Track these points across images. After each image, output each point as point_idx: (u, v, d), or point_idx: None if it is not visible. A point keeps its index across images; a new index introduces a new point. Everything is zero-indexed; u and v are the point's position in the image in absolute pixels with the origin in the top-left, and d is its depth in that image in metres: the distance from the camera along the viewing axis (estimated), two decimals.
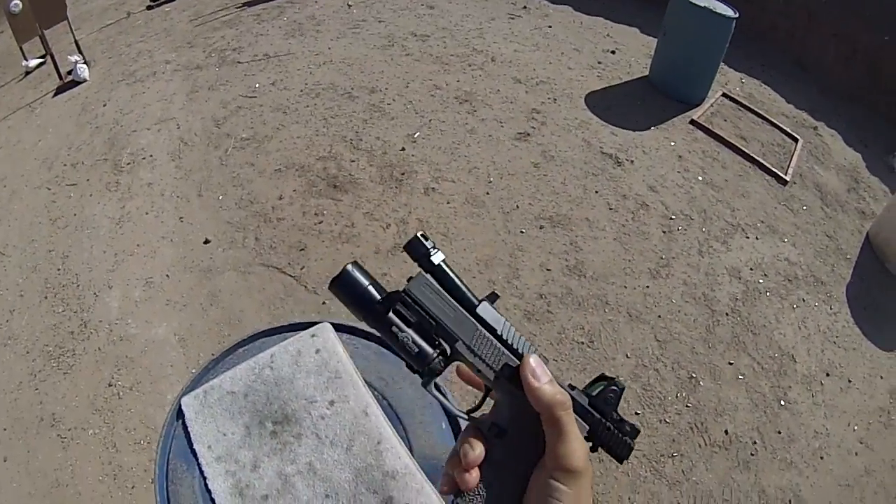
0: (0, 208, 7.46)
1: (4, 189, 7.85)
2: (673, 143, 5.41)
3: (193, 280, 4.76)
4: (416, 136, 5.21)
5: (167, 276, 4.93)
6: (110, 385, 4.33)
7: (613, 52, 6.59)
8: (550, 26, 7.17)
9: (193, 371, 3.84)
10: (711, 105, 6.05)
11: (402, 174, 4.82)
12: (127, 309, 4.77)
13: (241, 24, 9.51)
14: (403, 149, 5.08)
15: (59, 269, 5.62)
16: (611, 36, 6.98)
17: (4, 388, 4.88)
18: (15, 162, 8.50)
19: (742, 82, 6.52)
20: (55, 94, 10.21)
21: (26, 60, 13.02)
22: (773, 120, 6.07)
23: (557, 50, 6.60)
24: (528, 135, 5.05)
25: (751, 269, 4.52)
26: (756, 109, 6.15)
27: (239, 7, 10.39)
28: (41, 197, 7.07)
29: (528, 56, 6.41)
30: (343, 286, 0.80)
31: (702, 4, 5.66)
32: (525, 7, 7.68)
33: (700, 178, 5.09)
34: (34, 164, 7.97)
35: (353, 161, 5.10)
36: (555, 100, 5.59)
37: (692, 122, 5.73)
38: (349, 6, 8.66)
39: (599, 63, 6.37)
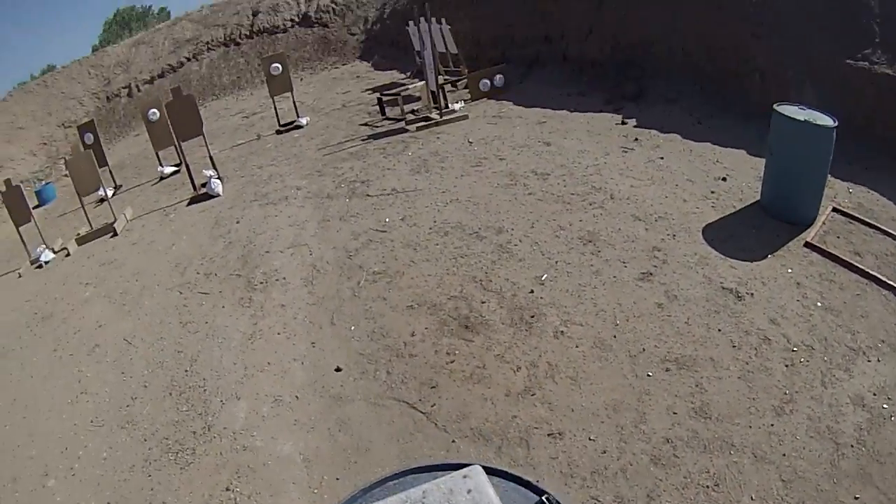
0: (130, 301, 8.07)
1: (136, 283, 8.43)
2: (790, 270, 5.39)
3: (323, 405, 4.94)
4: (543, 278, 5.38)
5: (297, 396, 5.15)
6: (228, 489, 4.53)
7: (724, 179, 6.66)
8: (662, 157, 7.30)
9: (315, 491, 4.20)
10: (823, 223, 5.96)
11: (532, 317, 4.95)
12: (253, 422, 5.01)
13: (367, 157, 9.93)
14: (532, 291, 5.24)
15: (186, 371, 5.98)
16: (720, 161, 7.05)
17: (116, 466, 5.24)
18: (149, 260, 9.10)
19: (850, 192, 6.43)
20: (189, 204, 10.98)
21: (162, 166, 14.00)
22: (885, 228, 5.90)
23: (672, 182, 6.70)
24: (651, 274, 5.15)
25: (874, 395, 4.40)
26: (867, 220, 6.00)
27: (364, 140, 11.00)
28: (172, 299, 7.54)
29: (644, 191, 6.53)
30: None
31: (801, 118, 5.64)
32: (636, 139, 7.84)
33: (819, 304, 5.03)
34: (167, 266, 8.55)
35: (483, 302, 5.27)
36: (674, 235, 5.68)
37: (806, 244, 5.68)
38: (470, 142, 9.04)
39: (713, 192, 6.44)
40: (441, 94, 10.96)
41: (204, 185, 11.08)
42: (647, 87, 9.45)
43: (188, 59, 24.63)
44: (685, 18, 9.26)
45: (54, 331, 8.31)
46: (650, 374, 4.12)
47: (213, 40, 24.80)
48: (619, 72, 10.07)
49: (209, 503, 4.46)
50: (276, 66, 13.96)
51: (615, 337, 4.50)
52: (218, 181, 10.96)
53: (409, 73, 16.19)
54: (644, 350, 4.31)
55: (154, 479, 4.92)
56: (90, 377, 6.73)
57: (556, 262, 5.56)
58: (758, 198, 6.32)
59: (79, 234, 11.90)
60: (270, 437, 4.75)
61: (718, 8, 8.65)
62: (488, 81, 11.62)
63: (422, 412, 4.46)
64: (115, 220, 11.47)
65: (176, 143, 12.80)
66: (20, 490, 5.61)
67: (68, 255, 11.25)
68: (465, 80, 12.46)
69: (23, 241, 11.93)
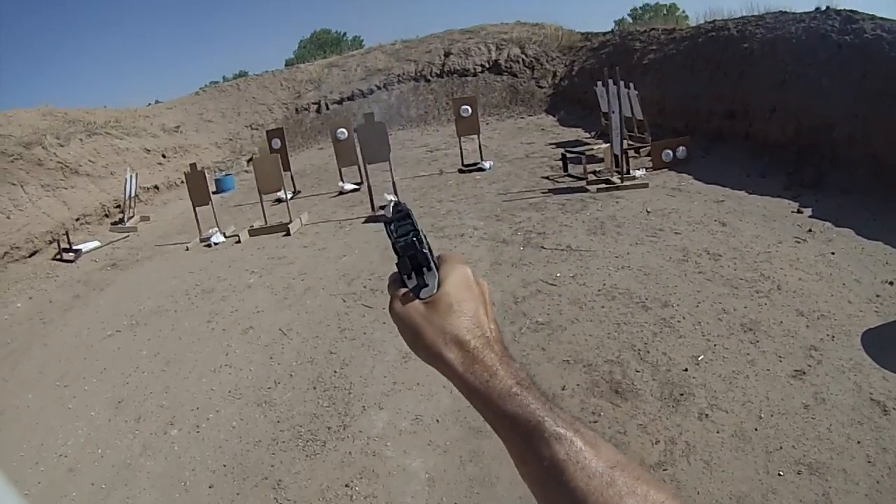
0: (293, 297, 8.49)
1: (301, 282, 8.86)
2: None
3: (461, 433, 5.02)
4: (700, 358, 5.35)
5: (437, 420, 5.25)
6: (347, 486, 4.67)
7: (892, 283, 6.41)
8: (833, 253, 7.15)
9: None
10: None
11: (681, 394, 4.94)
12: (389, 433, 5.15)
13: (546, 210, 10.09)
14: (686, 369, 5.22)
15: (335, 372, 6.22)
16: (889, 264, 6.84)
17: (243, 437, 5.53)
18: (317, 264, 9.56)
19: None
20: (365, 222, 11.50)
21: (342, 182, 14.64)
22: None
23: (839, 280, 6.55)
24: (804, 373, 5.01)
25: None
26: None
27: (544, 192, 11.20)
28: (335, 304, 7.86)
29: (811, 286, 6.41)
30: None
31: None
32: (810, 230, 7.72)
33: None
34: (335, 274, 8.94)
35: (637, 371, 5.30)
36: (833, 337, 5.50)
37: None
38: (648, 212, 9.08)
39: (878, 296, 6.21)
40: (624, 159, 11.04)
41: (382, 208, 11.50)
42: (825, 174, 9.30)
43: (378, 88, 25.54)
44: (867, 104, 9.11)
45: (212, 304, 8.91)
46: (781, 473, 4.05)
47: (403, 73, 25.63)
48: (799, 156, 9.96)
49: (325, 493, 4.66)
50: (466, 108, 14.40)
51: (756, 430, 4.45)
52: None
53: (593, 133, 16.36)
54: (781, 448, 4.24)
55: (277, 458, 5.19)
56: (238, 354, 7.19)
57: (715, 345, 5.52)
58: None
59: (252, 226, 12.70)
60: (402, 451, 4.90)
61: None
62: (671, 152, 11.66)
63: None
64: (291, 221, 12.17)
65: (360, 164, 13.44)
66: (141, 430, 6.03)
67: (238, 242, 12.04)
68: (649, 148, 12.49)
69: (197, 220, 12.92)
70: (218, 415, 6.05)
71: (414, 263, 0.92)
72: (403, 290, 0.93)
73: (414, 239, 0.92)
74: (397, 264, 0.93)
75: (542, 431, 0.76)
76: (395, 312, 0.92)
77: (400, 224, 0.95)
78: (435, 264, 0.94)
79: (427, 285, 0.91)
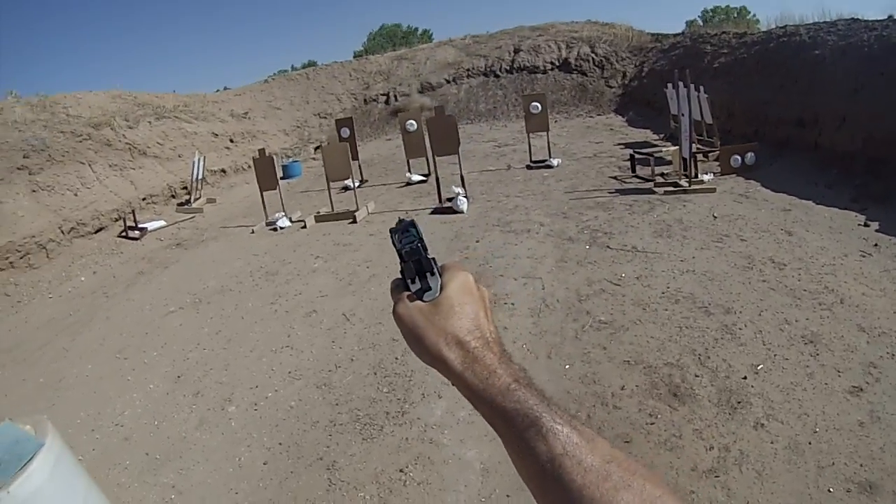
0: (357, 283, 8.66)
1: (366, 269, 9.04)
2: None
3: None
4: (759, 367, 5.30)
5: None
6: (401, 471, 4.72)
7: None
8: None
9: (483, 500, 4.31)
10: None
11: (739, 402, 4.90)
12: (447, 421, 5.19)
13: (613, 210, 10.10)
14: (745, 377, 5.18)
15: (396, 359, 6.27)
16: None
17: (300, 417, 5.63)
18: (382, 252, 9.71)
19: None
20: (432, 213, 11.63)
21: (410, 173, 14.80)
22: None
23: None
24: (861, 390, 4.89)
25: None
26: None
27: (611, 192, 11.22)
28: None
29: (874, 302, 6.28)
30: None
31: None
32: (876, 245, 7.58)
33: None
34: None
35: (696, 376, 5.28)
36: (893, 355, 5.36)
37: None
38: (714, 217, 9.04)
39: None
40: (692, 162, 10.99)
41: (450, 200, 11.74)
42: (894, 188, 9.10)
43: (448, 82, 25.63)
44: None
45: (276, 287, 9.10)
46: (831, 489, 3.98)
47: (473, 68, 25.70)
48: (867, 167, 9.78)
49: (379, 477, 4.72)
50: (536, 105, 14.43)
51: (810, 444, 4.38)
52: (465, 199, 11.59)
53: (662, 136, 16.29)
54: (833, 464, 4.17)
55: (333, 439, 5.27)
56: (300, 336, 7.34)
57: (775, 356, 5.47)
58: None
59: (319, 212, 12.93)
60: (459, 440, 4.94)
61: None
62: (739, 158, 11.55)
63: None
64: (358, 209, 12.37)
65: (429, 156, 13.60)
66: (199, 406, 6.20)
67: (304, 227, 12.28)
68: (717, 153, 12.41)
69: (263, 204, 13.19)
70: (277, 394, 6.20)
71: (418, 268, 0.97)
72: (407, 293, 0.97)
73: (419, 245, 0.97)
74: (401, 269, 0.99)
75: (539, 427, 0.79)
76: (398, 314, 0.96)
77: (404, 234, 0.99)
78: (438, 270, 0.98)
79: (430, 289, 0.96)
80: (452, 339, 0.90)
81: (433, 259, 0.98)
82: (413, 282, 0.97)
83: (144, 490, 5.09)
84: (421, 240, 0.98)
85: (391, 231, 1.01)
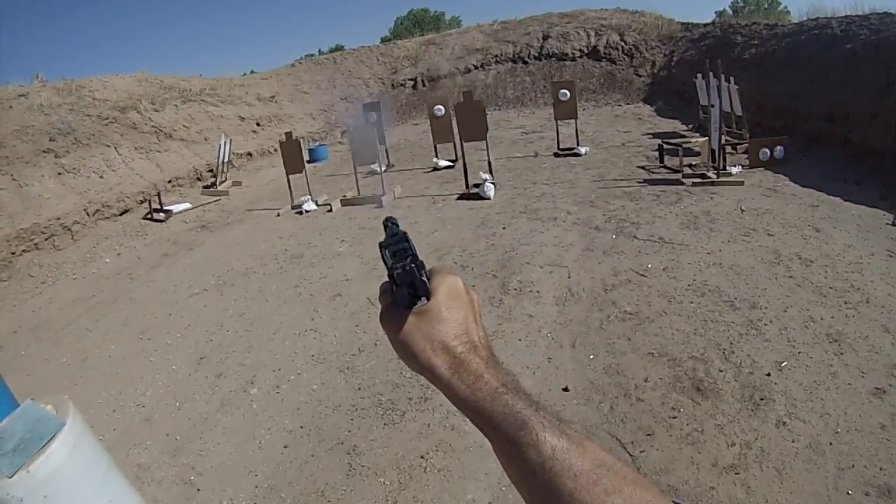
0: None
1: None
2: None
3: None
4: (783, 364, 5.27)
5: None
6: (422, 457, 4.75)
7: None
8: None
9: (502, 489, 4.30)
10: None
11: (762, 399, 4.88)
12: None
13: (641, 200, 10.10)
14: (769, 374, 5.16)
15: None
16: None
17: (322, 401, 5.68)
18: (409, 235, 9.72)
19: None
20: (458, 199, 11.65)
21: (437, 158, 14.83)
22: None
23: None
24: (884, 392, 4.84)
25: None
26: None
27: (640, 182, 11.21)
28: None
29: None
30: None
31: None
32: None
33: None
34: (426, 248, 9.00)
35: (720, 371, 5.27)
36: None
37: None
38: (742, 210, 9.00)
39: None
40: (721, 154, 10.95)
41: (477, 186, 11.78)
42: None
43: (475, 67, 25.59)
44: None
45: (301, 270, 9.18)
46: (850, 492, 3.95)
47: (501, 54, 25.64)
48: None
49: (399, 462, 4.75)
50: (565, 93, 14.42)
51: (831, 445, 4.36)
52: (492, 186, 11.62)
53: (691, 126, 16.21)
54: (853, 466, 4.14)
55: (355, 424, 5.32)
56: (324, 319, 7.40)
57: (799, 353, 5.44)
58: None
59: (345, 196, 13.02)
60: None
61: None
62: (768, 151, 11.46)
63: (630, 454, 4.50)
64: (384, 193, 12.41)
65: (456, 142, 13.62)
66: (221, 388, 6.26)
67: (330, 210, 12.35)
68: (746, 145, 12.30)
69: (290, 187, 13.28)
70: (299, 377, 6.26)
71: (412, 291, 0.93)
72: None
73: (412, 265, 0.93)
74: (392, 289, 0.94)
75: (528, 431, 0.79)
76: (386, 323, 0.95)
77: (397, 247, 0.96)
78: (427, 278, 0.95)
79: (419, 297, 0.93)
80: (439, 344, 0.89)
81: (424, 272, 0.95)
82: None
83: (164, 470, 5.17)
84: (415, 256, 0.95)
85: (380, 245, 0.98)
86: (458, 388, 0.86)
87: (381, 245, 0.97)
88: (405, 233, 0.98)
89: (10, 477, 2.31)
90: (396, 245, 0.96)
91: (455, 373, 0.87)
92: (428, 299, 0.94)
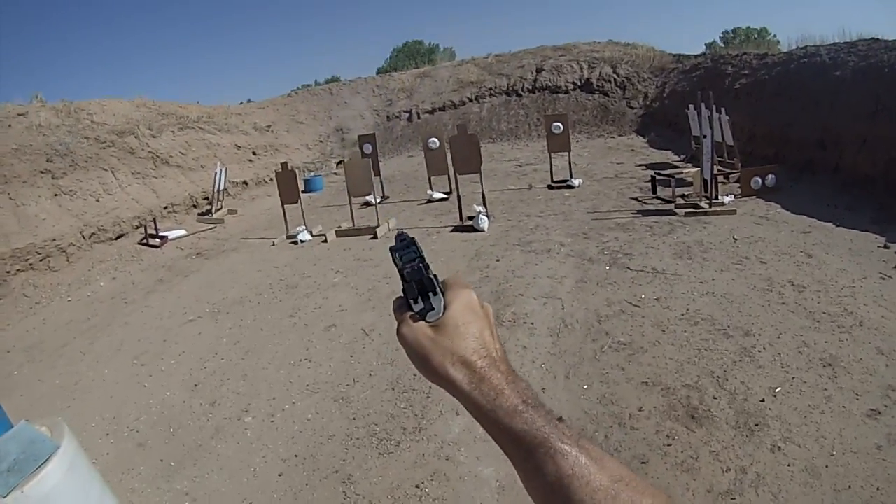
0: (377, 299, 8.70)
1: (387, 286, 9.06)
2: None
3: None
4: (777, 390, 5.29)
5: None
6: (417, 487, 4.75)
7: None
8: None
9: None
10: None
11: (756, 425, 4.88)
12: (465, 439, 5.21)
13: (634, 231, 10.11)
14: (763, 400, 5.17)
15: (414, 375, 6.19)
16: None
17: (317, 430, 5.67)
18: None
19: None
20: (453, 230, 11.67)
21: (431, 190, 14.90)
22: None
23: None
24: (879, 413, 4.85)
25: None
26: None
27: (633, 213, 11.24)
28: None
29: (893, 325, 6.23)
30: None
31: None
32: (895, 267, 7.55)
33: None
34: None
35: (714, 398, 5.28)
36: None
37: None
38: (734, 239, 9.04)
39: None
40: (713, 184, 10.99)
41: (471, 218, 11.78)
42: None
43: (470, 100, 25.76)
44: None
45: (295, 300, 9.16)
46: None
47: (495, 87, 25.81)
48: (888, 189, 9.79)
49: (395, 492, 4.75)
50: (558, 126, 14.50)
51: (826, 468, 4.36)
52: (486, 218, 11.62)
53: (683, 157, 16.29)
54: (850, 488, 4.15)
55: (350, 453, 5.31)
56: (319, 349, 7.39)
57: (793, 378, 5.45)
58: None
59: (339, 227, 13.01)
60: (475, 457, 4.96)
61: None
62: (760, 179, 11.53)
63: None
64: (379, 224, 12.44)
65: (450, 174, 13.68)
66: (215, 415, 6.26)
67: (325, 241, 12.36)
68: (738, 175, 12.36)
69: (285, 217, 13.30)
70: (294, 406, 6.26)
71: (420, 288, 0.95)
72: (410, 313, 0.95)
73: (420, 265, 0.95)
74: (404, 289, 0.96)
75: (548, 448, 0.79)
76: (402, 336, 0.94)
77: (405, 252, 0.97)
78: (441, 289, 0.97)
79: (433, 309, 0.94)
80: (458, 359, 0.89)
81: (435, 277, 0.97)
82: (416, 302, 0.96)
83: (158, 496, 5.17)
84: (422, 258, 0.97)
85: (391, 249, 0.99)
86: (479, 402, 0.86)
87: (391, 249, 0.99)
88: (413, 238, 1.00)
89: (5, 496, 2.33)
90: (405, 249, 0.98)
91: (476, 387, 0.87)
92: (443, 295, 0.96)
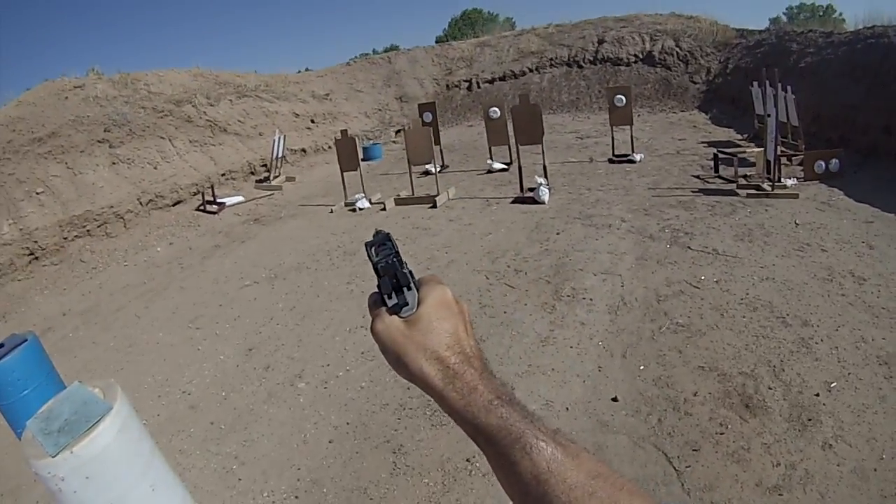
0: (436, 268, 8.70)
1: (444, 255, 9.14)
2: None
3: (587, 424, 5.05)
4: (832, 385, 5.20)
5: (567, 408, 5.29)
6: (468, 461, 4.78)
7: None
8: None
9: None
10: None
11: (809, 420, 4.81)
12: None
13: (695, 210, 10.05)
14: (818, 394, 5.09)
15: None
16: None
17: (370, 398, 5.77)
18: (462, 239, 9.82)
19: None
20: (513, 202, 11.72)
21: (491, 160, 14.92)
22: None
23: None
24: None
25: None
26: None
27: (694, 191, 11.17)
28: (477, 280, 8.00)
29: None
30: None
31: None
32: None
33: None
34: (479, 250, 9.11)
35: (770, 388, 5.23)
36: None
37: None
38: (796, 224, 8.93)
39: None
40: (777, 165, 10.81)
41: (531, 190, 11.81)
42: None
43: (530, 70, 25.56)
44: None
45: (353, 266, 9.32)
46: None
47: (556, 58, 25.55)
48: None
49: (445, 465, 4.80)
50: (620, 98, 14.37)
51: (875, 470, 4.26)
52: (547, 190, 11.66)
53: (746, 136, 15.99)
54: None
55: (402, 423, 5.39)
56: None
57: (849, 374, 5.35)
58: None
59: (399, 195, 13.17)
60: None
61: None
62: (824, 163, 11.31)
63: (675, 468, 4.48)
64: (438, 194, 12.53)
65: (512, 145, 13.69)
66: (269, 379, 6.40)
67: (384, 209, 12.54)
68: (801, 157, 12.15)
69: (344, 184, 13.45)
70: (348, 373, 6.37)
71: (395, 283, 0.96)
72: (384, 308, 0.96)
73: (395, 260, 0.96)
74: (378, 284, 0.97)
75: (524, 444, 0.79)
76: (376, 331, 0.95)
77: (381, 247, 0.99)
78: (415, 284, 0.98)
79: (407, 304, 0.95)
80: (432, 355, 0.90)
81: (410, 272, 0.99)
82: (390, 297, 0.97)
83: (206, 458, 5.34)
84: (397, 253, 0.98)
85: (366, 244, 1.02)
86: (452, 399, 0.87)
87: (366, 244, 1.02)
88: (388, 234, 1.03)
89: (54, 456, 2.44)
90: (381, 244, 1.00)
91: (449, 383, 0.88)
92: (418, 290, 0.98)
